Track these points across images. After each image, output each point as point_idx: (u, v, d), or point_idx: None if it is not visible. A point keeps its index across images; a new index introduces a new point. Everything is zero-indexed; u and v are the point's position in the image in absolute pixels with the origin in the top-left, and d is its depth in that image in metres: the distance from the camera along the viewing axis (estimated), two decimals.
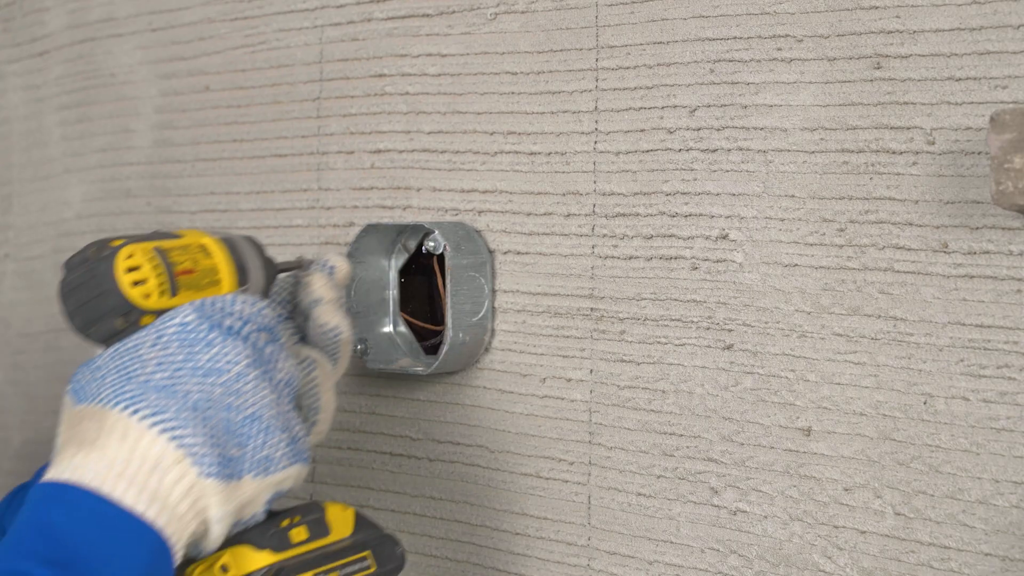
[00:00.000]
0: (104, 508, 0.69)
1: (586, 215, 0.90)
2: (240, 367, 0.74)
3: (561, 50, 0.92)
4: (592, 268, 0.90)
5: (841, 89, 0.81)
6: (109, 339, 0.75)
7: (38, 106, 1.27)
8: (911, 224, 0.79)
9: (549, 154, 0.92)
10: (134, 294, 0.74)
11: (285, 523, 0.77)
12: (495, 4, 0.95)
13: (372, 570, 0.79)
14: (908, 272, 0.79)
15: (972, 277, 0.77)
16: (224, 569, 0.75)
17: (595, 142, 0.90)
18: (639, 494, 0.88)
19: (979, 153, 0.76)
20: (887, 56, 0.79)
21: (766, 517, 0.83)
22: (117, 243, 0.75)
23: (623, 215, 0.89)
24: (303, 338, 0.84)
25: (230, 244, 0.80)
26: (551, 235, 0.92)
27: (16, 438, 1.29)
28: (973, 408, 0.77)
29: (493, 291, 0.94)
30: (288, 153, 1.07)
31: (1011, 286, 0.76)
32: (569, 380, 0.91)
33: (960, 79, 0.77)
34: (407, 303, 0.97)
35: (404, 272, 0.97)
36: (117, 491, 0.70)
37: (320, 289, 0.84)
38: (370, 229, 0.95)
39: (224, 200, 1.10)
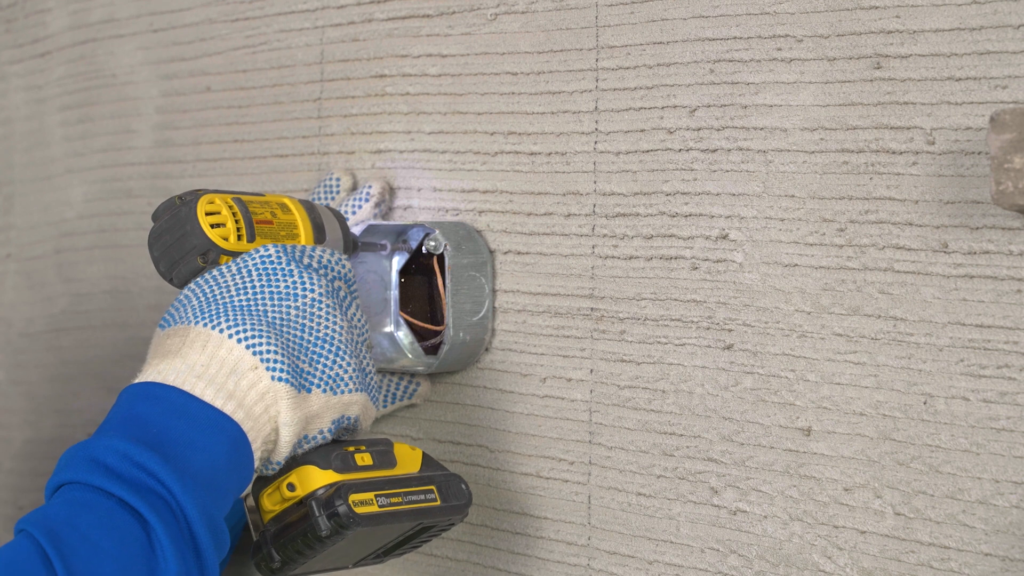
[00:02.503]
0: (186, 401, 0.74)
1: (586, 215, 0.91)
2: (315, 294, 0.80)
3: (561, 50, 0.92)
4: (592, 268, 0.90)
5: (841, 89, 0.81)
6: (191, 279, 0.81)
7: (40, 106, 1.27)
8: (911, 224, 0.79)
9: (549, 154, 0.92)
10: (213, 235, 0.80)
11: (351, 448, 0.80)
12: (495, 4, 0.95)
13: (436, 503, 0.82)
14: (908, 272, 0.79)
15: (972, 277, 0.77)
16: (291, 487, 0.79)
17: (595, 142, 0.90)
18: (639, 494, 0.88)
19: (979, 153, 0.76)
20: (887, 56, 0.79)
21: (766, 517, 0.83)
22: (199, 191, 0.82)
23: (623, 215, 0.89)
24: None
25: (308, 206, 0.86)
26: (551, 235, 0.92)
27: (17, 438, 1.29)
28: (973, 408, 0.77)
29: (493, 291, 0.95)
30: (289, 153, 1.07)
31: (1011, 286, 0.76)
32: (569, 380, 0.91)
33: (960, 79, 0.77)
34: (407, 303, 0.97)
35: (404, 272, 0.97)
36: (197, 389, 0.75)
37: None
38: (371, 229, 0.95)
39: None
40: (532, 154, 0.93)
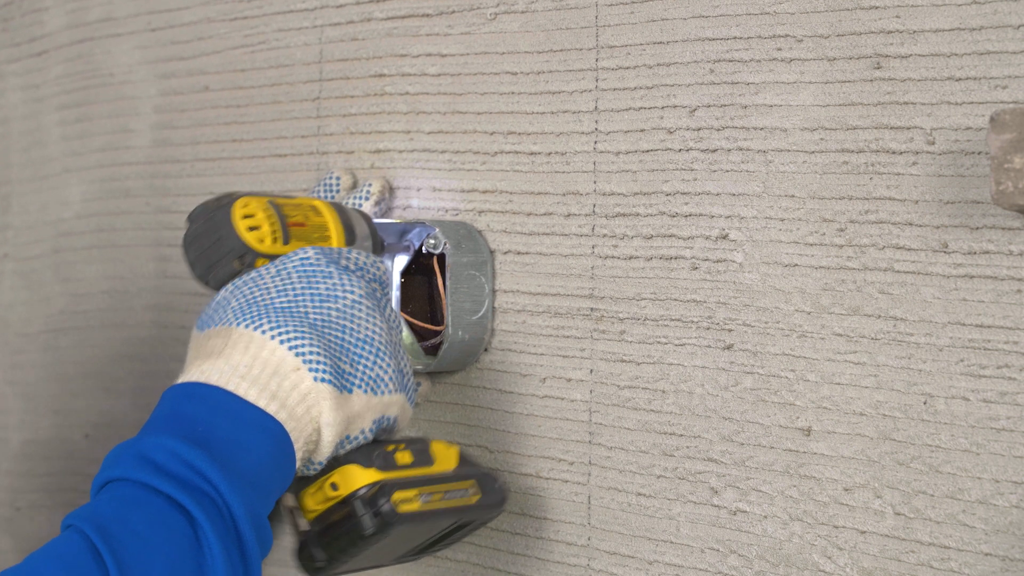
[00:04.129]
0: (230, 400, 0.75)
1: (586, 215, 0.91)
2: (355, 296, 0.81)
3: (561, 50, 0.92)
4: (592, 268, 0.90)
5: (841, 89, 0.81)
6: (227, 281, 0.82)
7: (37, 106, 1.27)
8: (911, 224, 0.79)
9: (549, 154, 0.92)
10: (250, 237, 0.81)
11: (391, 448, 0.81)
12: (495, 4, 0.95)
13: (476, 499, 0.83)
14: (908, 272, 0.79)
15: (972, 277, 0.77)
16: (334, 487, 0.79)
17: (595, 142, 0.90)
18: (639, 494, 0.88)
19: (979, 153, 0.76)
20: (887, 56, 0.79)
21: (766, 517, 0.84)
22: (234, 194, 0.83)
23: (623, 215, 0.89)
24: None
25: (339, 208, 0.87)
26: (551, 235, 0.92)
27: (15, 438, 1.29)
28: (973, 408, 0.77)
29: (493, 291, 0.95)
30: (288, 153, 1.07)
31: (1011, 286, 0.76)
32: (569, 380, 0.91)
33: (960, 79, 0.77)
34: (407, 303, 0.97)
35: (404, 272, 0.97)
36: (240, 390, 0.75)
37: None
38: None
39: None
40: (532, 154, 0.93)
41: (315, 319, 0.79)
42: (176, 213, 1.14)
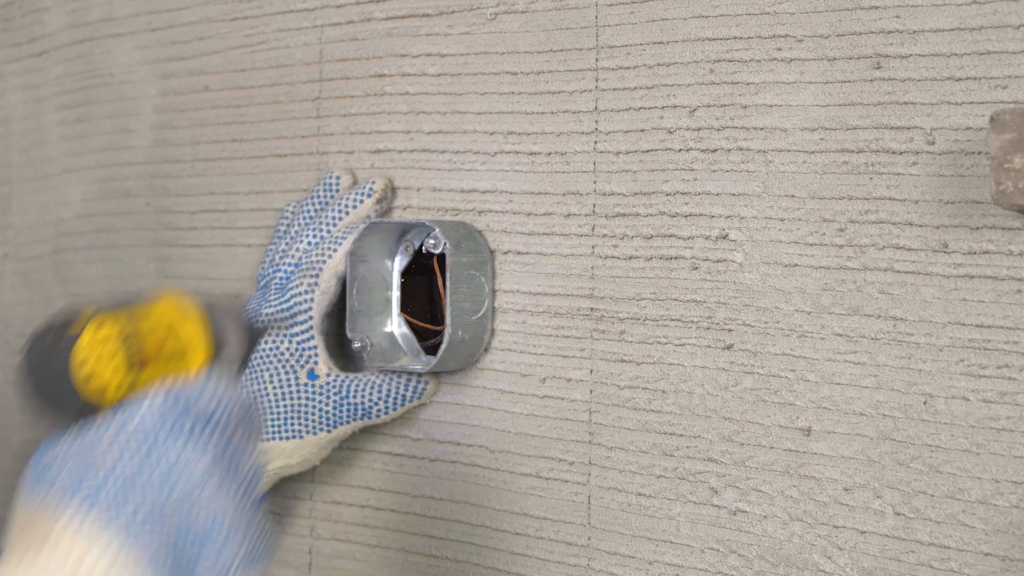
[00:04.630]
0: None
1: (586, 215, 0.91)
2: (201, 468, 0.71)
3: (561, 50, 0.92)
4: (592, 268, 0.90)
5: (841, 89, 0.81)
6: (65, 425, 0.73)
7: (37, 106, 1.27)
8: (911, 224, 0.79)
9: (549, 154, 0.92)
10: (90, 388, 0.72)
11: None
12: (495, 4, 0.95)
13: None
14: (908, 272, 0.79)
15: (972, 277, 0.77)
16: None
17: (595, 142, 0.90)
18: (639, 494, 0.88)
19: (979, 153, 0.76)
20: (887, 56, 0.79)
21: (766, 517, 0.84)
22: (77, 328, 0.73)
23: (623, 215, 0.89)
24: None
25: (210, 310, 0.77)
26: (551, 235, 0.92)
27: (16, 439, 1.29)
28: (973, 408, 0.77)
29: (493, 291, 0.95)
30: (288, 153, 1.07)
31: (1011, 286, 0.76)
32: (569, 380, 0.91)
33: (960, 79, 0.77)
34: (407, 303, 0.97)
35: (404, 273, 0.97)
36: None
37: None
38: (373, 227, 0.95)
39: (224, 200, 1.10)
40: (532, 154, 0.93)
41: (152, 505, 0.70)
42: (176, 213, 1.14)
